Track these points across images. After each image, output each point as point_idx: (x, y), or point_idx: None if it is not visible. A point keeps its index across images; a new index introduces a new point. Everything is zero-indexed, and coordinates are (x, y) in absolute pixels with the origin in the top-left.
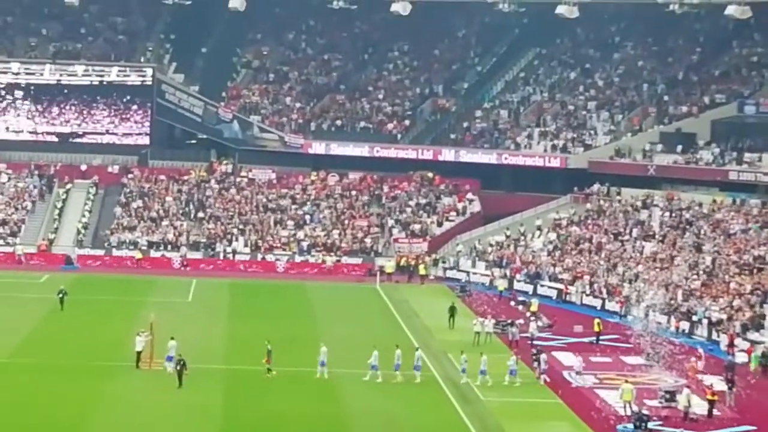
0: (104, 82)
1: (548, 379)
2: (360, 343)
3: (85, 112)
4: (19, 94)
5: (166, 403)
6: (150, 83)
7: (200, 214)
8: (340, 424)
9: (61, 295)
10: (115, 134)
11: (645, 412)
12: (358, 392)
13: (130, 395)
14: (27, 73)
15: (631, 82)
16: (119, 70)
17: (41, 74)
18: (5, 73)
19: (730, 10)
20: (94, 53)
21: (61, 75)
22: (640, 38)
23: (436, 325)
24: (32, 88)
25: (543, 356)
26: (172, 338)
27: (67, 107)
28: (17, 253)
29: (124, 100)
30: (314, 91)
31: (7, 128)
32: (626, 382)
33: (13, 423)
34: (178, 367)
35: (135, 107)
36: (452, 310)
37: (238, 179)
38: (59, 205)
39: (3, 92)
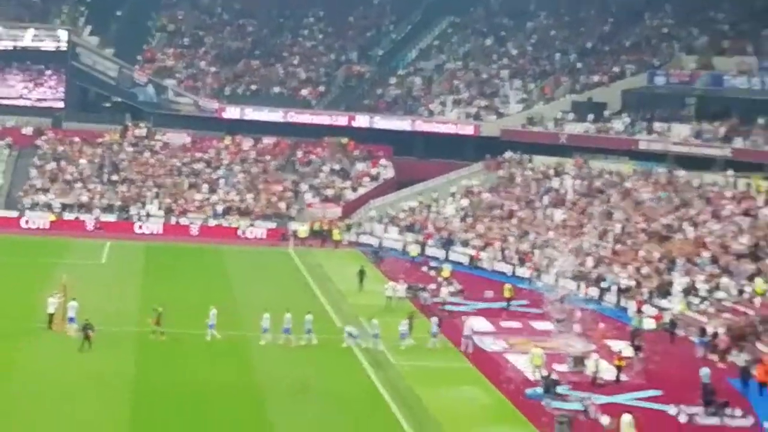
0: (18, 48)
1: (437, 344)
2: (272, 307)
3: None
4: None
5: (77, 367)
6: (65, 49)
7: (114, 177)
8: (252, 389)
9: None
10: (29, 99)
11: (554, 376)
12: (271, 357)
13: (41, 358)
14: None
15: (544, 51)
16: (34, 35)
17: None
18: None
19: None
20: (7, 15)
21: None
22: (554, 8)
23: (349, 289)
24: None
25: (434, 319)
26: (74, 299)
27: None
28: None
29: (39, 65)
30: (229, 55)
31: None
32: (536, 347)
33: None
34: (86, 331)
35: (49, 72)
36: (361, 274)
37: (153, 143)
38: None
39: None
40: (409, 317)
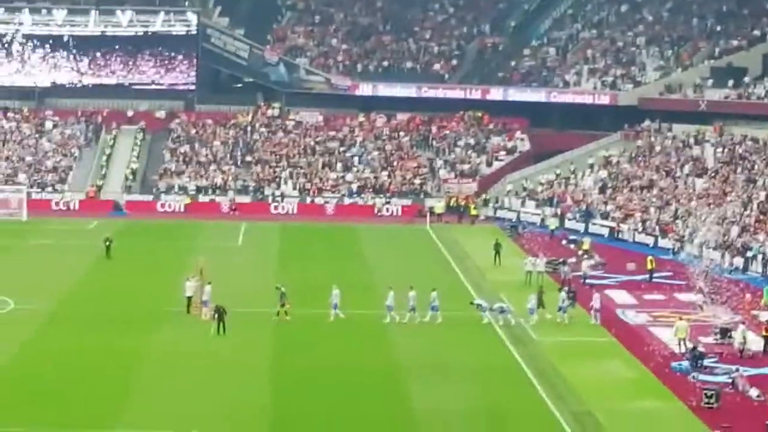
0: (149, 33)
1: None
2: (410, 285)
3: (130, 63)
4: (63, 46)
5: (216, 350)
6: (195, 32)
7: (248, 158)
8: (393, 368)
9: (107, 243)
10: (161, 84)
11: (700, 349)
12: (411, 336)
13: (180, 342)
14: (71, 25)
15: (681, 16)
16: (164, 20)
17: (85, 26)
18: (49, 24)
19: None
20: (137, 0)
21: (105, 26)
22: None
23: (487, 265)
24: (76, 40)
25: (561, 294)
26: (208, 283)
27: (113, 59)
28: (65, 200)
29: (170, 50)
30: (360, 32)
31: (53, 81)
32: (680, 319)
33: (64, 372)
34: (216, 315)
35: (180, 57)
36: (497, 248)
37: (286, 122)
38: (107, 151)
39: (48, 44)
40: (538, 293)
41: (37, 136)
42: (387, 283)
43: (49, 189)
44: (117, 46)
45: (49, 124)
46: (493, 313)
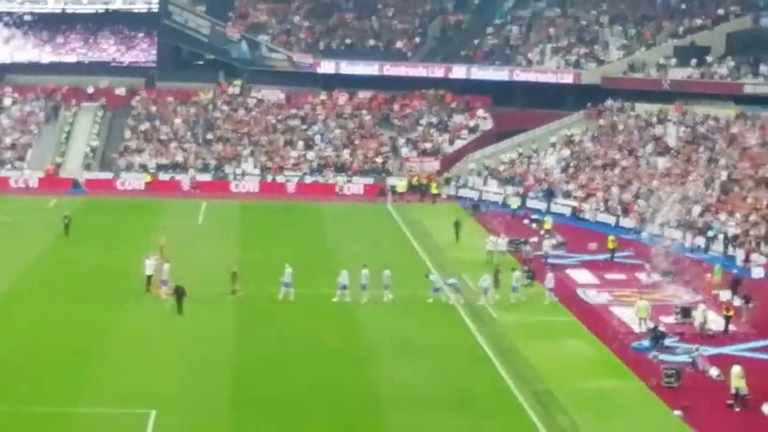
0: (110, 10)
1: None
2: (372, 265)
3: (90, 40)
4: (22, 23)
5: (176, 329)
6: (156, 10)
7: (209, 136)
8: (355, 347)
9: (66, 221)
10: (122, 62)
11: (661, 328)
12: (372, 314)
13: (140, 321)
14: (31, 2)
15: None
16: None
17: (45, 3)
18: (10, 1)
19: None
20: None
21: (65, 3)
22: None
23: (449, 244)
24: (37, 17)
25: (549, 275)
26: (167, 261)
27: (73, 36)
28: (24, 177)
29: (130, 28)
30: (322, 9)
31: (12, 58)
32: (641, 298)
33: (23, 349)
34: (175, 294)
35: (141, 35)
36: (457, 225)
37: (247, 100)
38: (66, 128)
39: (8, 21)
40: (494, 272)
41: None
42: (345, 262)
43: (8, 166)
44: (77, 24)
45: (8, 101)
46: (449, 287)
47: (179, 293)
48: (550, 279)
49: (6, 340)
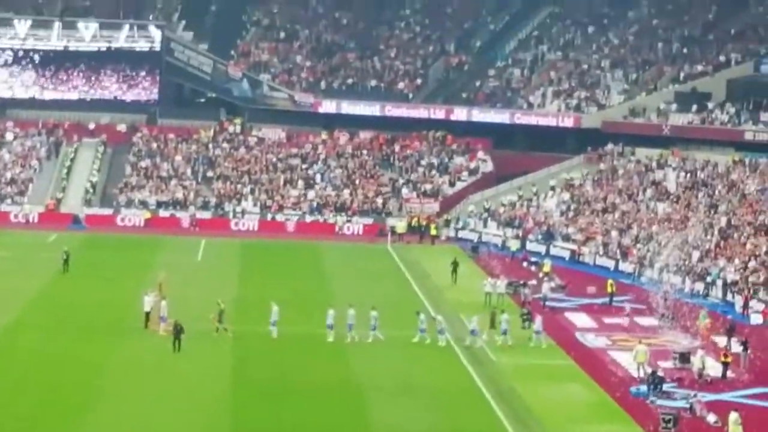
0: (112, 48)
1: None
2: (370, 305)
3: (92, 78)
4: (25, 59)
5: (174, 366)
6: (158, 49)
7: (209, 174)
8: (353, 387)
9: (65, 257)
10: (123, 100)
11: (659, 373)
12: (369, 354)
13: (138, 357)
14: (35, 38)
15: (646, 40)
16: (127, 36)
17: (48, 40)
18: (12, 38)
19: None
20: (102, 11)
21: (68, 41)
22: None
23: (447, 285)
24: (39, 53)
25: (538, 318)
26: (164, 298)
27: (75, 74)
28: (25, 212)
29: (133, 66)
30: (325, 49)
31: (11, 89)
32: (640, 343)
33: (21, 384)
34: (174, 331)
35: (143, 73)
36: (455, 265)
37: (248, 138)
38: (67, 164)
39: (9, 56)
40: (491, 314)
41: None
42: (342, 301)
43: (8, 201)
44: (80, 61)
45: (9, 136)
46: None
47: (177, 330)
48: (539, 322)
49: (5, 375)
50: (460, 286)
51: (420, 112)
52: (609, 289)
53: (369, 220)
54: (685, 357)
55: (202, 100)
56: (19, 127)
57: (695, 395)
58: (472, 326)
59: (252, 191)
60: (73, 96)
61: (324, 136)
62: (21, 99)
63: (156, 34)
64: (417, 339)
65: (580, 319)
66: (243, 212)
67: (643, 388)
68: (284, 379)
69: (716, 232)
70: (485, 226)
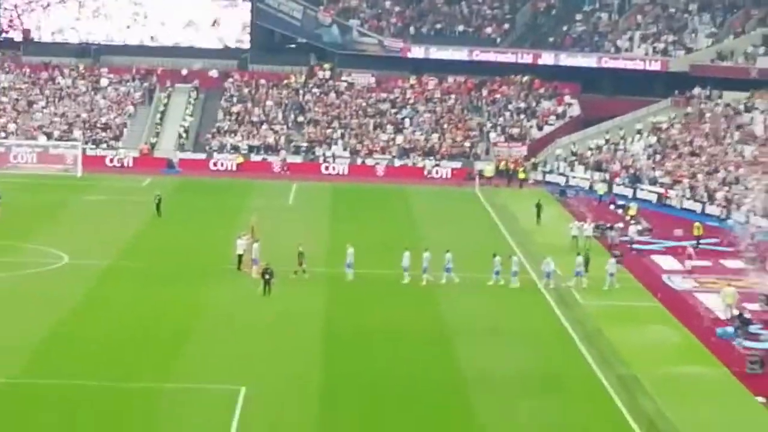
0: None
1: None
2: (459, 248)
3: (185, 23)
4: (120, 5)
5: (267, 308)
6: None
7: (300, 119)
8: (441, 329)
9: (156, 201)
10: (216, 40)
11: (746, 315)
12: (457, 297)
13: (231, 299)
14: None
15: None
16: None
17: None
18: None
19: None
20: None
21: None
22: None
23: (535, 228)
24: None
25: (611, 260)
26: (257, 241)
27: (168, 19)
28: (120, 156)
29: (223, 5)
30: None
31: (107, 35)
32: (728, 285)
33: (117, 326)
34: (267, 276)
35: (235, 19)
36: (538, 207)
37: (338, 84)
38: (161, 109)
39: (103, 2)
40: (585, 257)
41: (92, 93)
42: (439, 245)
43: (104, 146)
44: (174, 7)
45: (104, 82)
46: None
47: (268, 274)
48: (612, 264)
49: (102, 316)
50: (548, 229)
51: (507, 57)
52: (696, 232)
53: (457, 164)
54: None
55: (293, 45)
56: (113, 73)
57: None
58: (548, 268)
59: (342, 136)
60: (167, 41)
61: (412, 81)
62: (115, 45)
63: None
64: (492, 282)
65: (667, 262)
66: (333, 156)
67: (730, 329)
68: (373, 322)
69: None
70: (572, 169)
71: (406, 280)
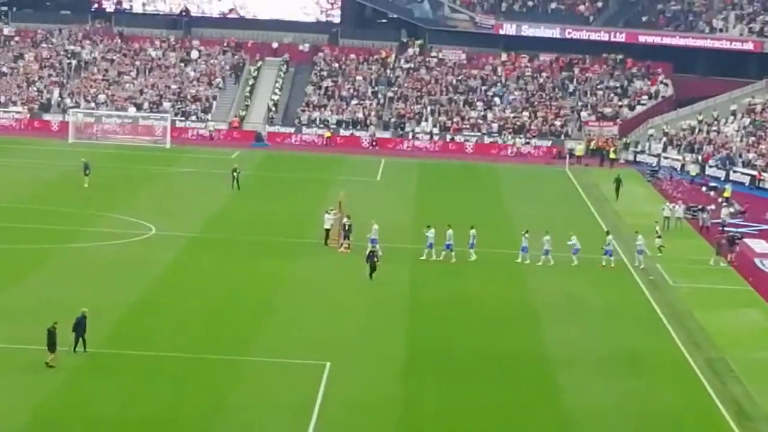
0: None
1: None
2: (549, 227)
3: None
4: None
5: (354, 283)
6: None
7: (390, 94)
8: (527, 307)
9: (235, 174)
10: (307, 14)
11: None
12: (545, 276)
13: (317, 273)
14: None
15: None
16: None
17: None
18: None
19: None
20: None
21: None
22: None
23: (626, 209)
24: None
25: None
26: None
27: None
28: (209, 129)
29: None
30: None
31: (198, 7)
32: None
33: (202, 297)
34: (376, 259)
35: None
36: (618, 182)
37: (428, 59)
38: (251, 82)
39: None
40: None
41: (182, 65)
42: (527, 224)
43: (193, 118)
44: None
45: (194, 54)
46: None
47: (373, 258)
48: (641, 241)
49: (187, 288)
50: (639, 211)
51: (600, 35)
52: None
53: (547, 143)
54: None
55: (384, 20)
56: (204, 46)
57: None
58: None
59: (432, 112)
60: (258, 15)
61: (504, 58)
62: (206, 18)
63: None
64: (604, 263)
65: (760, 245)
66: (422, 132)
67: None
68: (458, 298)
69: None
70: (664, 150)
71: (453, 259)
